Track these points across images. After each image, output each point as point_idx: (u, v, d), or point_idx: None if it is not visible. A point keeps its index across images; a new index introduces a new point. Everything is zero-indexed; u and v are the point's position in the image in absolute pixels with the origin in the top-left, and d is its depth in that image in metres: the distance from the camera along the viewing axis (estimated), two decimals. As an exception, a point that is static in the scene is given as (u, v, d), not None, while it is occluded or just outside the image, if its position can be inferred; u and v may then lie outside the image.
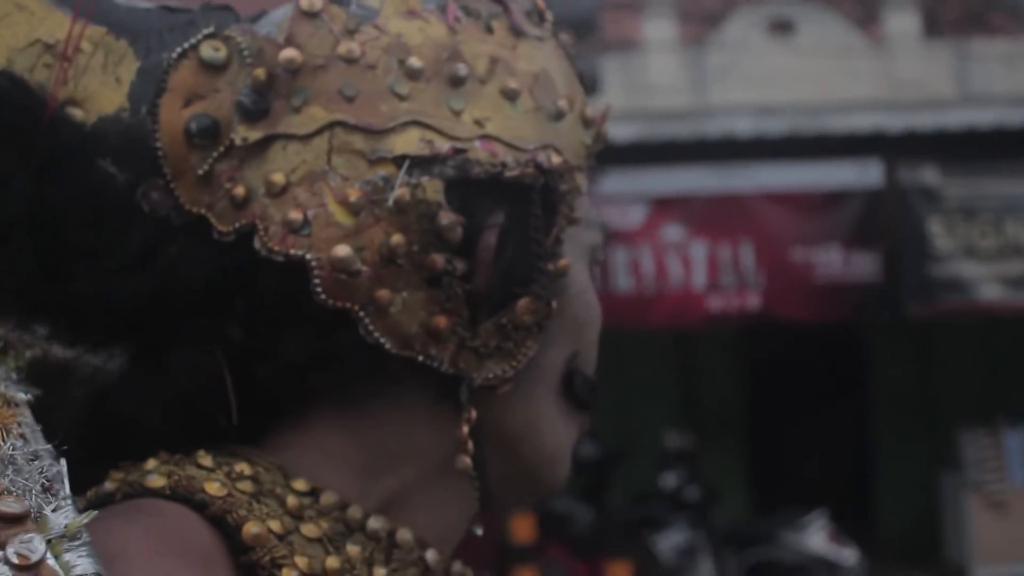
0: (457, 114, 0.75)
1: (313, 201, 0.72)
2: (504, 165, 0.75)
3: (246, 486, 0.72)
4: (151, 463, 0.73)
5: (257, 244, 0.72)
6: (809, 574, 8.32)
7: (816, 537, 8.43)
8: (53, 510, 0.60)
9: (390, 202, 0.72)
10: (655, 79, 9.92)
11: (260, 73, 0.73)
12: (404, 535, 0.76)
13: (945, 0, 11.12)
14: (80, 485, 0.71)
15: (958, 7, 11.17)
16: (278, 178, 0.72)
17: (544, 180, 0.76)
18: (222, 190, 0.73)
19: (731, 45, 10.05)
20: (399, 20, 0.76)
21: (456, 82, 0.75)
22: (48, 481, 0.62)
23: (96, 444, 0.77)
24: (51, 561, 0.58)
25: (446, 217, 0.73)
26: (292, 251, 0.72)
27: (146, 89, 0.73)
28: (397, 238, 0.73)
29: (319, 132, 0.73)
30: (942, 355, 11.49)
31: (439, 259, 0.73)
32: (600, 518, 8.43)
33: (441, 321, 0.74)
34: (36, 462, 0.62)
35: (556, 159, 0.77)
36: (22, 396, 0.68)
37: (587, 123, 0.82)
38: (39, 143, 0.71)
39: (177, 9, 0.76)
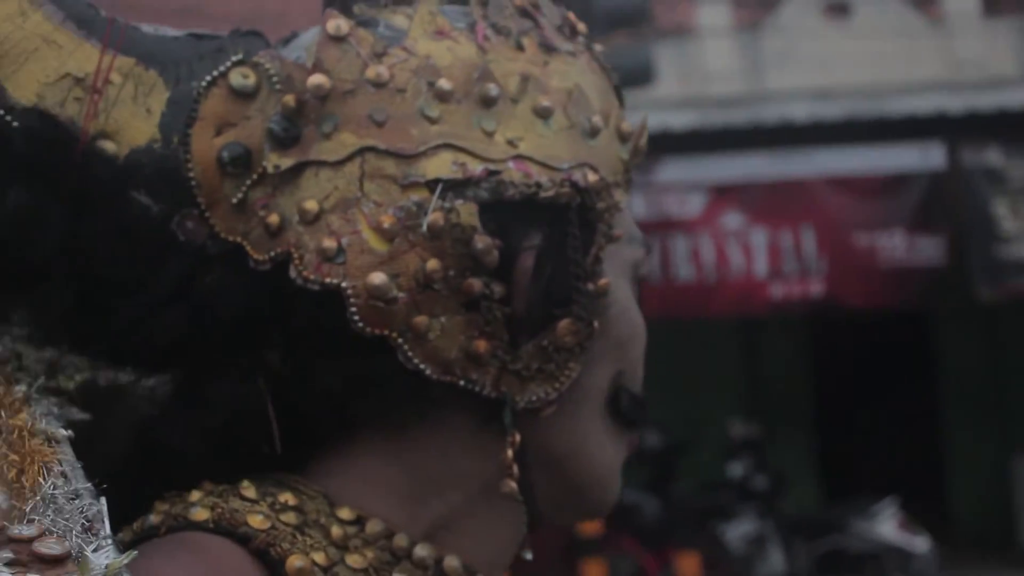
0: (489, 135, 0.74)
1: (347, 228, 0.71)
2: (539, 186, 0.74)
3: (290, 517, 0.72)
4: (195, 495, 0.73)
5: (292, 273, 0.71)
6: (880, 563, 8.21)
7: (887, 525, 8.31)
8: (94, 550, 0.60)
9: (424, 227, 0.71)
10: (710, 66, 9.84)
11: (289, 100, 0.72)
12: (452, 562, 0.76)
13: (1004, -24, 10.92)
14: (125, 513, 0.71)
15: (1018, -17, 10.96)
16: (311, 205, 0.71)
17: (580, 199, 0.75)
18: (256, 218, 0.72)
19: (787, 29, 9.93)
20: (427, 41, 0.75)
21: (487, 102, 0.74)
22: (88, 521, 0.62)
23: (141, 471, 0.77)
24: (92, 603, 0.57)
25: (481, 241, 0.72)
26: (327, 280, 0.71)
27: (177, 119, 0.72)
28: (432, 263, 0.72)
29: (350, 158, 0.72)
30: (1011, 338, 11.29)
31: (476, 283, 0.72)
32: (667, 509, 8.39)
33: (481, 345, 0.73)
34: (76, 501, 0.62)
35: (592, 177, 0.76)
36: (63, 433, 0.68)
37: (624, 137, 0.81)
38: (72, 178, 0.71)
39: (205, 36, 0.75)
